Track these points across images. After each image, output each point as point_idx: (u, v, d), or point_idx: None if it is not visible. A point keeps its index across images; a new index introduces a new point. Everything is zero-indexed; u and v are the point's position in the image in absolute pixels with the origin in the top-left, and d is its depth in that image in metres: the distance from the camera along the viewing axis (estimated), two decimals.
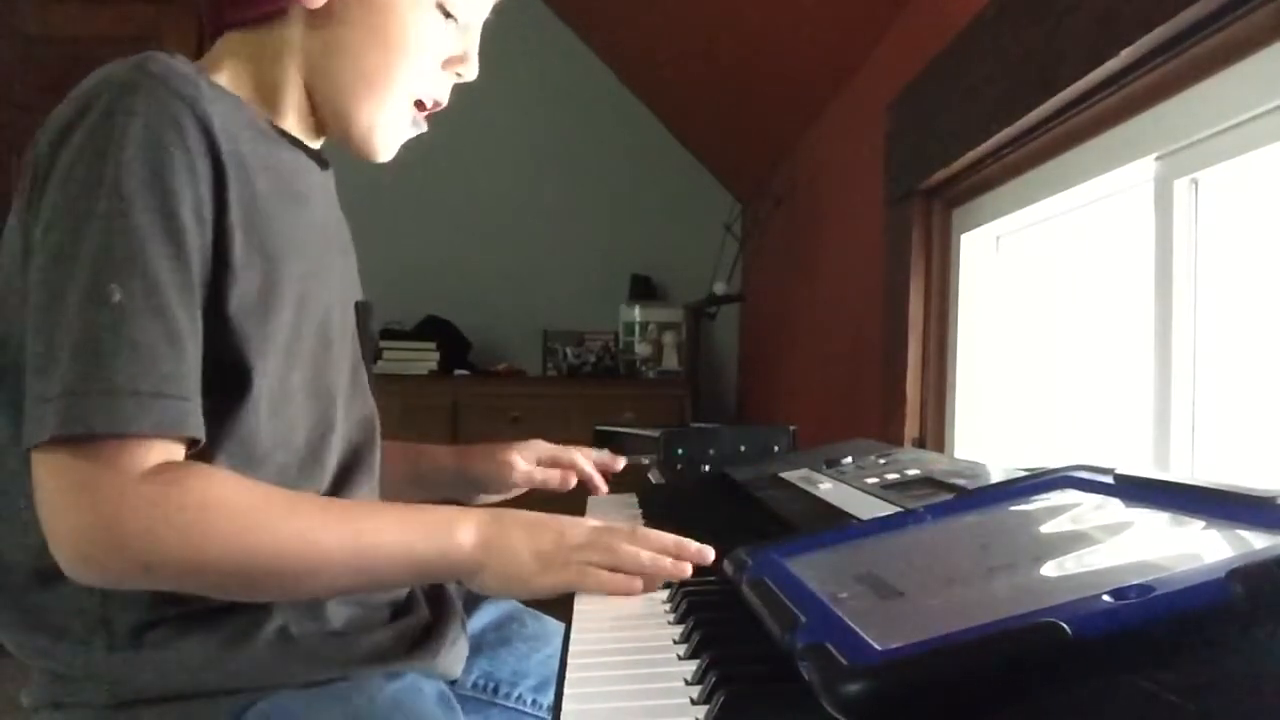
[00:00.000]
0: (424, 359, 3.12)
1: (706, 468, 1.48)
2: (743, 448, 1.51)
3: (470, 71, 0.85)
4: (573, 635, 0.63)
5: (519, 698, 0.95)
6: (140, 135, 0.64)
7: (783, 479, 1.04)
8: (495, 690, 0.94)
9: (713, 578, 0.70)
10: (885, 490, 0.83)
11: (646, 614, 0.67)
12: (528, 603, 1.05)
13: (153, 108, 0.65)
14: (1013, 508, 0.61)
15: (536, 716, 0.95)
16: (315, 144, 0.85)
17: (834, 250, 2.17)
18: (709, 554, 0.74)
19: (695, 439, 1.54)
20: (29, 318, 0.65)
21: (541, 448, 1.09)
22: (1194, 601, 0.36)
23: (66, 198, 0.64)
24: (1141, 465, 0.61)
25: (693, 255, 3.31)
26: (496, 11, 0.87)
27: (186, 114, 0.67)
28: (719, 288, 3.09)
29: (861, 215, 1.90)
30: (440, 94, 0.85)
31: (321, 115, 0.82)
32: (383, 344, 3.08)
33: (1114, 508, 0.54)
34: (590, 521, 0.78)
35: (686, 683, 0.51)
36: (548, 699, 0.95)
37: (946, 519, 0.63)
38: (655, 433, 1.63)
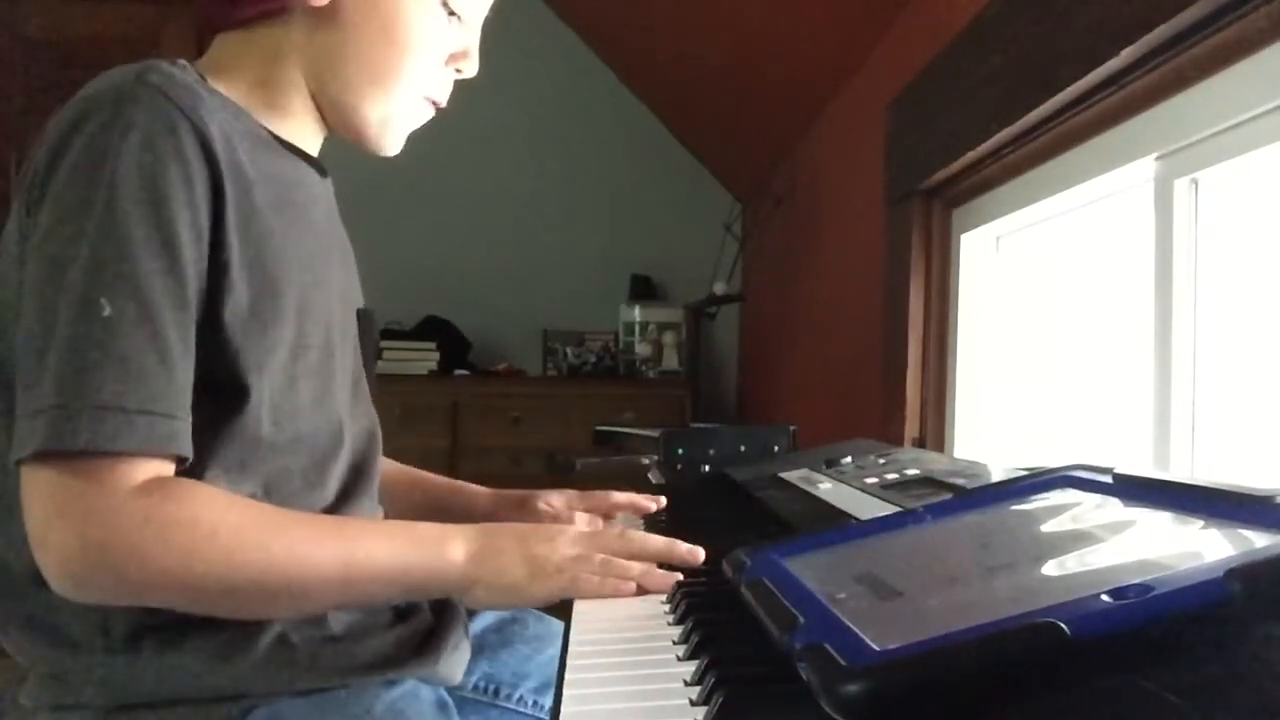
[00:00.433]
0: (424, 359, 3.12)
1: (706, 468, 1.48)
2: (743, 448, 1.51)
3: (471, 68, 0.86)
4: (572, 636, 0.63)
5: (520, 699, 0.95)
6: (137, 148, 0.64)
7: (782, 479, 1.04)
8: (496, 692, 0.94)
9: (712, 578, 0.70)
10: (885, 490, 0.83)
11: (646, 615, 0.67)
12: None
13: (151, 120, 0.65)
14: (1012, 507, 0.61)
15: (538, 718, 0.95)
16: (316, 145, 0.85)
17: (834, 250, 2.17)
18: (699, 554, 0.74)
19: (695, 439, 1.54)
20: (23, 330, 0.64)
21: (572, 495, 1.06)
22: (1193, 601, 0.36)
23: (62, 209, 0.64)
24: (1141, 465, 0.61)
25: (693, 255, 3.31)
26: (495, 9, 0.87)
27: (185, 126, 0.66)
28: (719, 288, 3.09)
29: (861, 215, 1.90)
30: (443, 90, 0.85)
31: (327, 113, 0.82)
32: (383, 344, 3.08)
33: (1113, 507, 0.54)
34: (579, 528, 0.78)
35: (686, 683, 0.51)
36: (549, 700, 0.94)
37: (945, 519, 0.63)
38: (655, 433, 1.63)
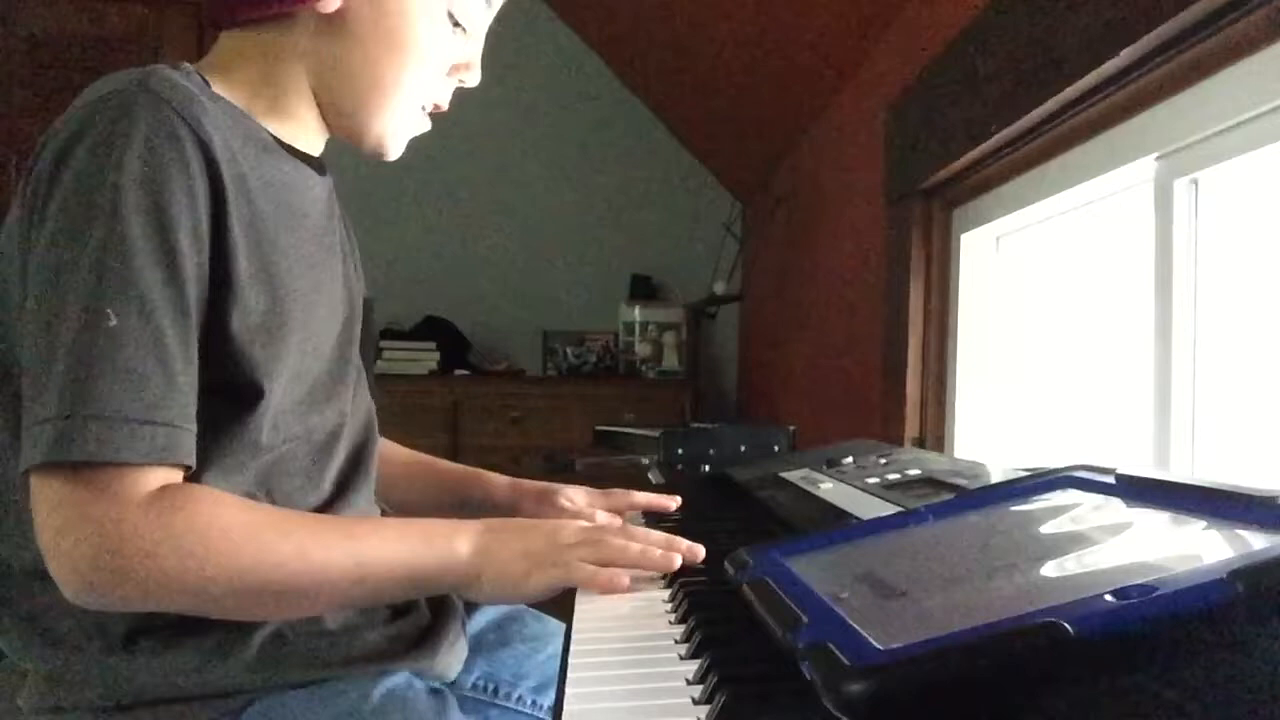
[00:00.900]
0: (424, 359, 3.12)
1: (706, 468, 1.48)
2: (743, 448, 1.51)
3: (473, 78, 0.87)
4: (573, 635, 0.63)
5: (519, 698, 0.95)
6: (139, 156, 0.64)
7: (783, 479, 1.04)
8: (495, 691, 0.94)
9: (713, 577, 0.70)
10: (886, 490, 0.83)
11: (647, 614, 0.67)
12: (529, 603, 1.05)
13: (153, 128, 0.65)
14: (1014, 508, 0.61)
15: (536, 717, 0.95)
16: (318, 147, 0.85)
17: (834, 250, 2.17)
18: (699, 551, 0.74)
19: (695, 439, 1.54)
20: (28, 339, 0.65)
21: (595, 494, 1.06)
22: (1196, 601, 0.36)
23: (65, 218, 0.64)
24: (1142, 465, 0.62)
25: (693, 255, 3.31)
26: (507, 6, 0.88)
27: (187, 134, 0.66)
28: (719, 288, 3.09)
29: (861, 215, 1.90)
30: (443, 99, 0.86)
31: (329, 118, 0.82)
32: (383, 344, 3.08)
33: (1115, 507, 0.54)
34: (582, 523, 0.78)
35: (688, 682, 0.51)
36: (548, 700, 0.94)
37: (947, 519, 0.63)
38: (655, 433, 1.63)
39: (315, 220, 0.83)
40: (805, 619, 0.46)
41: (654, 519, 1.02)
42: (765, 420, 2.89)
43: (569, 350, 3.38)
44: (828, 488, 0.92)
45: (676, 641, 0.59)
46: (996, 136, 1.23)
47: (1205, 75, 0.90)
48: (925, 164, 1.48)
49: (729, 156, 3.21)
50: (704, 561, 0.75)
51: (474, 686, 0.93)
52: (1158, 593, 0.37)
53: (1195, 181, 1.00)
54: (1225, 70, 0.88)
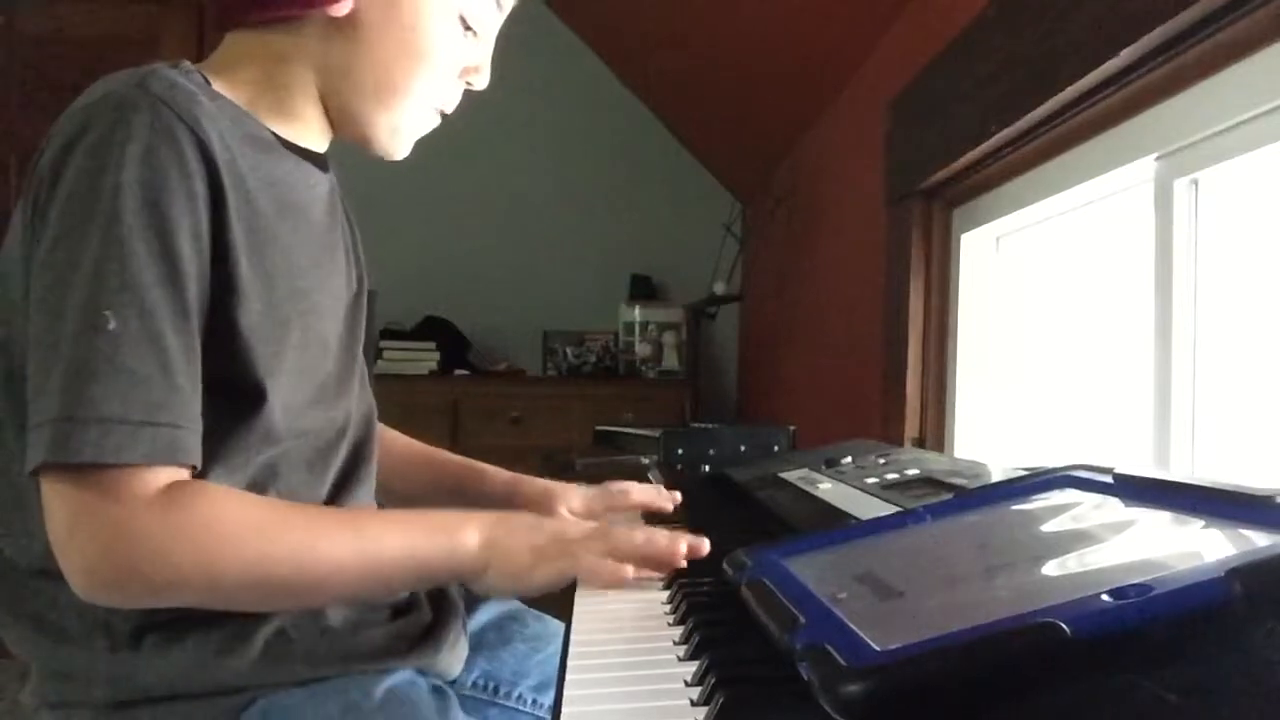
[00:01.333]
0: (424, 359, 3.12)
1: (706, 468, 1.48)
2: (743, 448, 1.51)
3: (482, 81, 0.86)
4: (573, 635, 0.63)
5: (519, 697, 0.95)
6: (138, 158, 0.64)
7: (782, 479, 1.04)
8: (495, 690, 0.95)
9: (712, 578, 0.70)
10: (885, 490, 0.83)
11: (646, 615, 0.67)
12: (529, 602, 1.05)
13: (152, 129, 0.65)
14: (1012, 507, 0.61)
15: (536, 716, 0.95)
16: (322, 147, 0.85)
17: (834, 250, 2.17)
18: (704, 545, 0.75)
19: (695, 439, 1.54)
20: (31, 341, 0.65)
21: (593, 496, 1.05)
22: (1193, 601, 0.36)
23: (65, 221, 0.64)
24: (1141, 465, 0.61)
25: (693, 255, 3.31)
26: (509, 22, 0.88)
27: (186, 135, 0.66)
28: (719, 288, 3.09)
29: (861, 215, 1.90)
30: (452, 101, 0.86)
31: (335, 119, 0.82)
32: (383, 344, 3.08)
33: (1113, 507, 0.54)
34: (592, 523, 0.79)
35: (686, 684, 0.51)
36: (548, 699, 0.95)
37: (946, 519, 0.63)
38: (655, 433, 1.63)
39: (317, 218, 0.83)
40: (803, 620, 0.46)
41: (653, 520, 1.02)
42: (765, 420, 2.89)
43: (569, 350, 3.38)
44: (826, 488, 0.92)
45: (675, 643, 0.59)
46: (996, 136, 1.23)
47: (1205, 75, 0.90)
48: (925, 164, 1.48)
49: (729, 156, 3.20)
50: (703, 562, 0.75)
51: (474, 685, 0.94)
52: (1155, 592, 0.37)
53: (1195, 181, 1.00)
54: (1225, 70, 0.88)
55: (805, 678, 0.41)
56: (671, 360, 3.33)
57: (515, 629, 1.00)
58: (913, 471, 0.88)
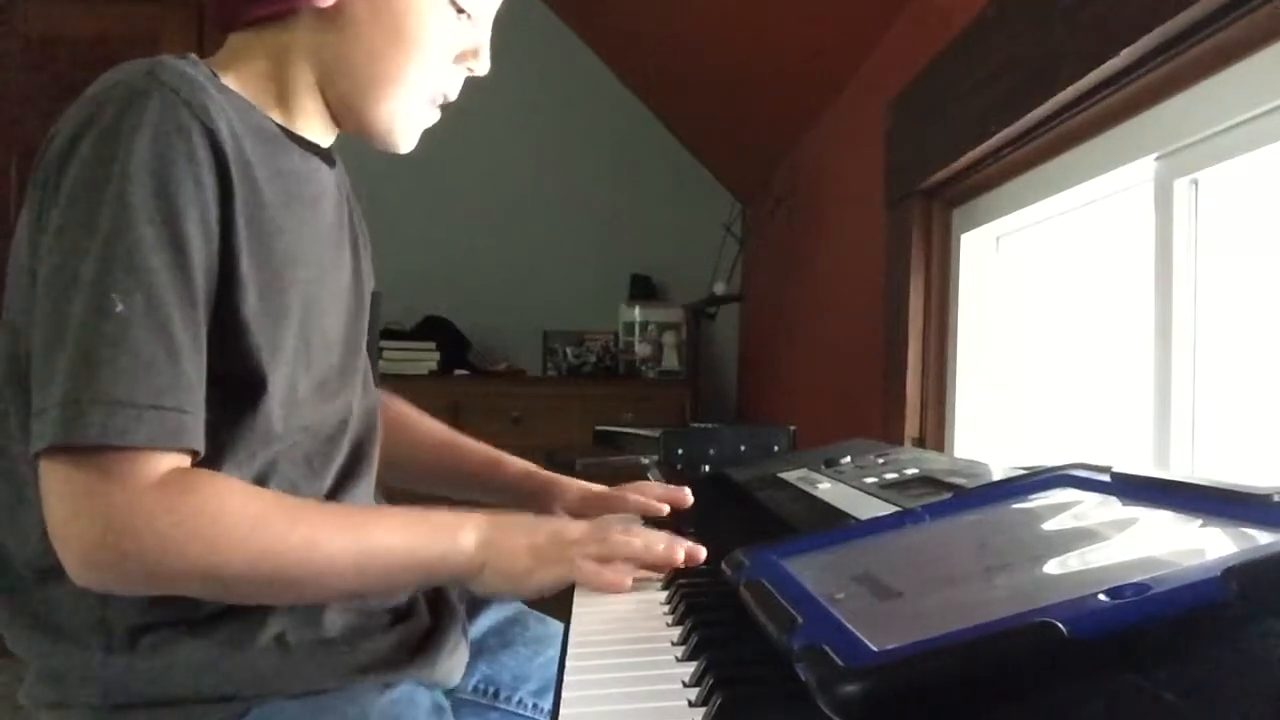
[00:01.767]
0: (424, 359, 3.12)
1: (706, 468, 1.47)
2: (742, 448, 1.51)
3: (482, 66, 0.85)
4: (571, 637, 0.63)
5: (520, 701, 0.95)
6: (146, 146, 0.64)
7: (782, 479, 1.03)
8: (496, 694, 0.94)
9: (711, 578, 0.70)
10: (884, 490, 0.83)
11: (645, 615, 0.67)
12: (532, 604, 1.05)
13: (161, 118, 0.65)
14: (1011, 507, 0.61)
15: None
16: (327, 142, 0.85)
17: (834, 250, 2.17)
18: (701, 553, 0.74)
19: (695, 439, 1.54)
20: (36, 325, 0.65)
21: (591, 499, 1.04)
22: (1190, 600, 0.36)
23: (73, 208, 0.64)
24: (1141, 464, 0.61)
25: (693, 255, 3.31)
26: (507, 6, 0.87)
27: (194, 124, 0.67)
28: (719, 288, 3.09)
29: (861, 215, 1.90)
30: (452, 88, 0.85)
31: (336, 112, 0.82)
32: (383, 344, 3.08)
33: (1111, 506, 0.54)
34: (588, 524, 0.79)
35: (685, 684, 0.51)
36: (548, 703, 0.94)
37: (944, 519, 0.63)
38: (655, 433, 1.63)
39: (324, 211, 0.83)
40: (801, 620, 0.46)
41: (652, 522, 1.02)
42: (765, 420, 2.89)
43: (569, 350, 3.38)
44: (825, 488, 0.92)
45: (674, 643, 0.59)
46: (996, 136, 1.23)
47: (1205, 75, 0.90)
48: (925, 164, 1.48)
49: (729, 156, 3.20)
50: (702, 562, 0.74)
51: (475, 690, 0.93)
52: (1152, 592, 0.37)
53: (1195, 181, 1.00)
54: (1225, 70, 0.88)
55: (803, 678, 0.41)
56: (671, 360, 3.33)
57: (517, 632, 1.00)
58: (912, 471, 0.88)
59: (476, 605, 1.01)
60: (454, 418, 2.99)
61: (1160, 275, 1.03)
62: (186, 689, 0.70)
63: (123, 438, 0.61)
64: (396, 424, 1.12)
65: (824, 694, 0.38)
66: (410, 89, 0.81)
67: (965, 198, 1.48)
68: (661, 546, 0.74)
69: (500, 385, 3.15)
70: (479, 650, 0.95)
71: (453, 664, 0.85)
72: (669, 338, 3.34)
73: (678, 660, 0.55)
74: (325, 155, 0.84)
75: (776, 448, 1.51)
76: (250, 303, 0.71)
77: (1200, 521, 0.46)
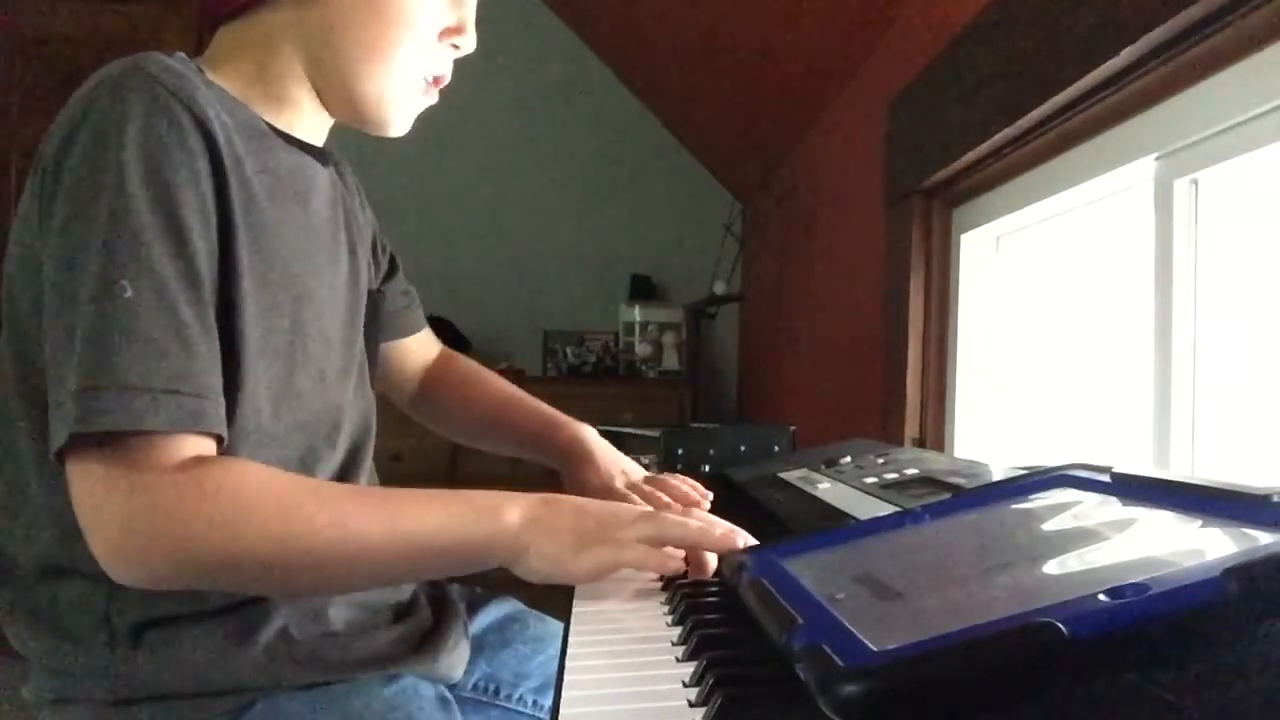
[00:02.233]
0: None
1: (706, 468, 1.47)
2: (743, 448, 1.51)
3: (468, 43, 0.84)
4: (571, 636, 0.63)
5: (520, 699, 0.95)
6: (139, 136, 0.64)
7: (782, 479, 1.03)
8: (496, 691, 0.95)
9: (710, 579, 0.70)
10: (884, 490, 0.83)
11: (645, 615, 0.67)
12: (532, 603, 1.05)
13: (149, 108, 0.65)
14: (1010, 507, 0.61)
15: (537, 718, 0.95)
16: (322, 134, 0.85)
17: (834, 250, 2.17)
18: (752, 543, 0.70)
19: (695, 439, 1.54)
20: (46, 324, 0.65)
21: (636, 478, 1.02)
22: (1190, 600, 0.36)
23: (74, 203, 0.64)
24: (1141, 464, 0.61)
25: (693, 255, 3.31)
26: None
27: (184, 113, 0.67)
28: (719, 288, 3.09)
29: (861, 215, 1.90)
30: (442, 67, 0.84)
31: (326, 97, 0.82)
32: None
33: (1111, 506, 0.54)
34: (640, 508, 0.75)
35: (685, 684, 0.51)
36: (549, 700, 0.94)
37: (944, 519, 0.63)
38: (655, 433, 1.63)
39: (315, 209, 0.83)
40: (801, 620, 0.46)
41: None
42: (765, 420, 2.89)
43: (569, 350, 3.38)
44: (825, 488, 0.92)
45: (674, 643, 0.59)
46: (996, 136, 1.23)
47: (1205, 75, 0.90)
48: (925, 164, 1.48)
49: (729, 156, 3.20)
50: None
51: (475, 687, 0.94)
52: (1152, 592, 0.37)
53: (1195, 181, 1.00)
54: (1225, 70, 0.88)
55: (803, 678, 0.41)
56: (671, 360, 3.33)
57: (516, 630, 1.00)
58: (912, 471, 0.88)
59: (476, 603, 1.01)
60: None
61: (1160, 275, 1.03)
62: (191, 683, 0.71)
63: (141, 422, 0.60)
64: (459, 380, 1.14)
65: (824, 694, 0.38)
66: (397, 66, 0.80)
67: (965, 198, 1.48)
68: (720, 531, 0.69)
69: None
70: (479, 647, 0.95)
71: (454, 659, 0.85)
72: (669, 338, 3.34)
73: (678, 660, 0.55)
74: (317, 154, 0.84)
75: (776, 448, 1.51)
76: (244, 292, 0.70)
77: (1200, 521, 0.46)
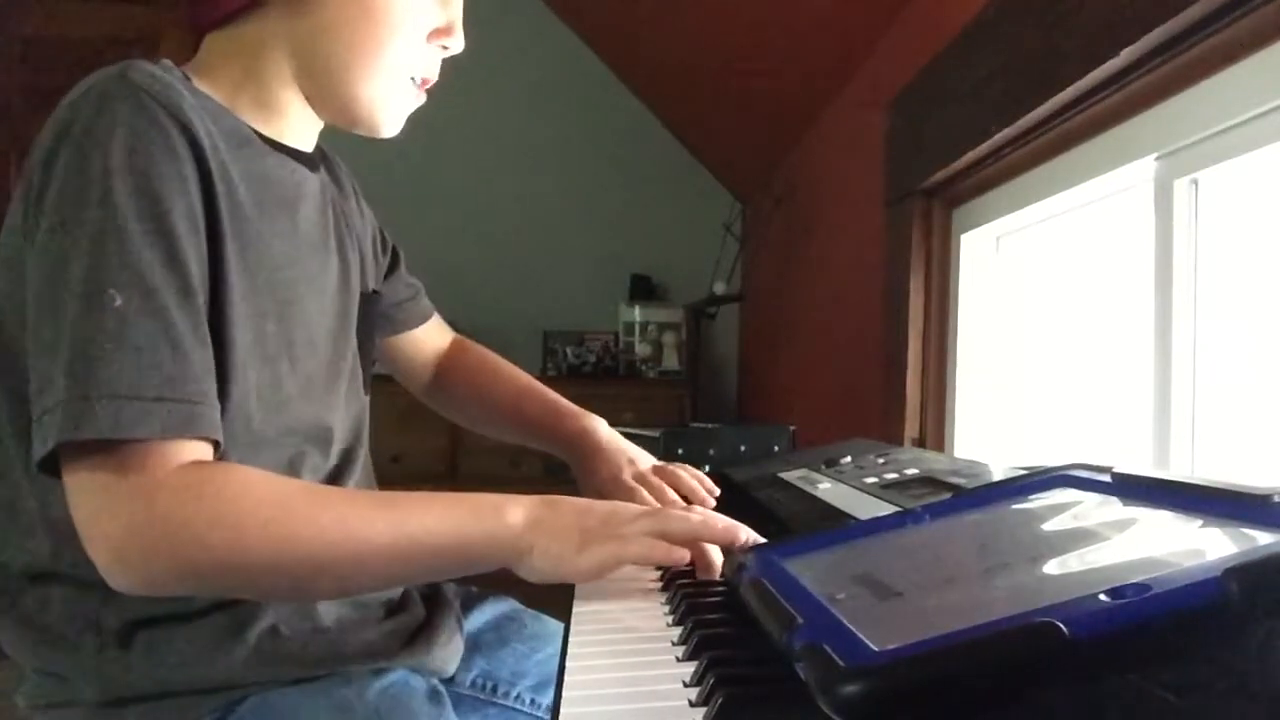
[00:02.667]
0: None
1: (706, 468, 1.47)
2: (743, 448, 1.51)
3: (456, 44, 0.84)
4: (571, 636, 0.63)
5: (517, 697, 0.95)
6: (125, 144, 0.64)
7: (782, 479, 1.04)
8: (494, 690, 0.95)
9: (711, 579, 0.70)
10: (884, 490, 0.83)
11: (645, 615, 0.67)
12: (529, 602, 1.05)
13: (135, 116, 0.65)
14: (1011, 507, 0.61)
15: (534, 716, 0.95)
16: (311, 139, 0.85)
17: (834, 250, 2.17)
18: (756, 539, 0.71)
19: (695, 439, 1.54)
20: (30, 334, 0.64)
21: (645, 470, 1.01)
22: (1190, 600, 0.36)
23: (60, 211, 0.64)
24: (1141, 464, 0.61)
25: (693, 255, 3.31)
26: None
27: (170, 121, 0.66)
28: (719, 288, 3.09)
29: (861, 215, 1.90)
30: (431, 68, 0.84)
31: (315, 101, 0.82)
32: None
33: (1111, 506, 0.54)
34: (641, 506, 0.74)
35: (685, 684, 0.51)
36: (546, 699, 0.95)
37: (944, 519, 0.63)
38: (655, 433, 1.63)
39: (304, 215, 0.83)
40: (801, 620, 0.46)
41: None
42: (765, 420, 2.89)
43: (569, 350, 3.38)
44: (826, 488, 0.92)
45: (674, 643, 0.59)
46: (996, 136, 1.23)
47: (1205, 75, 0.90)
48: (925, 164, 1.48)
49: (729, 156, 3.20)
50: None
51: (472, 685, 0.94)
52: (1152, 592, 0.37)
53: (1195, 181, 1.00)
54: (1225, 70, 0.88)
55: (803, 678, 0.41)
56: (671, 360, 3.33)
57: (514, 629, 1.00)
58: (912, 471, 0.88)
59: (472, 601, 1.01)
60: None
61: (1160, 275, 1.03)
62: (182, 682, 0.71)
63: (132, 430, 0.60)
64: (472, 369, 1.15)
65: (824, 694, 0.38)
66: (387, 68, 0.80)
67: (965, 198, 1.48)
68: (722, 525, 0.69)
69: None
70: (476, 645, 0.95)
71: (447, 653, 0.85)
72: (669, 338, 3.34)
73: (678, 660, 0.55)
74: (305, 159, 0.84)
75: (776, 448, 1.51)
76: (231, 299, 0.70)
77: (1200, 522, 0.46)
